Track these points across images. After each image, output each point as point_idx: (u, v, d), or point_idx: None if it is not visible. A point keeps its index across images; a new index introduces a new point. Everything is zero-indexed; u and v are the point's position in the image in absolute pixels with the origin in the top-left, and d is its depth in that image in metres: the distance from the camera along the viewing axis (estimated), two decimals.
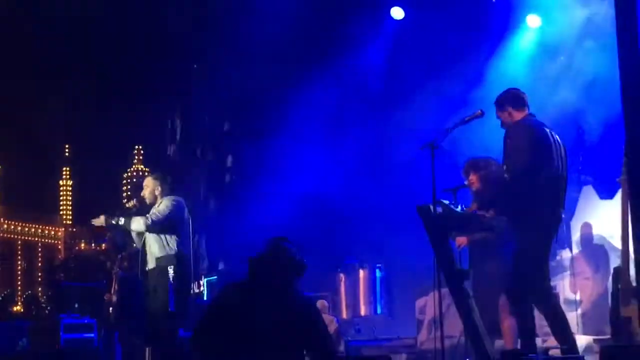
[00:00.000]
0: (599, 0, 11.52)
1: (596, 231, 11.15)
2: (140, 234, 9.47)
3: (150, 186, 9.55)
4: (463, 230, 8.51)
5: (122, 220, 9.33)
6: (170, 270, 9.20)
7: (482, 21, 13.98)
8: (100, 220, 9.48)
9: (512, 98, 7.95)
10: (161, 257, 9.31)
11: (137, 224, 9.26)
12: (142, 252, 9.50)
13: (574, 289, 10.94)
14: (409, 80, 14.15)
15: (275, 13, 14.21)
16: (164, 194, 9.50)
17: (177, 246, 9.30)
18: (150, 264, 9.41)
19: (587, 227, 11.26)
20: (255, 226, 14.84)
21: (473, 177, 8.78)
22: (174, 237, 9.31)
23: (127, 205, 9.62)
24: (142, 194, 9.58)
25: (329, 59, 14.59)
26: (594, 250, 11.07)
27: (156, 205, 9.37)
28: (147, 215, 9.25)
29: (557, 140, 7.75)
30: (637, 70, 3.39)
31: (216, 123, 18.36)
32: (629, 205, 5.71)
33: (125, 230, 9.57)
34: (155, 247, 9.34)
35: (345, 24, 14.57)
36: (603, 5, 11.30)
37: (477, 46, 13.89)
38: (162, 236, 9.31)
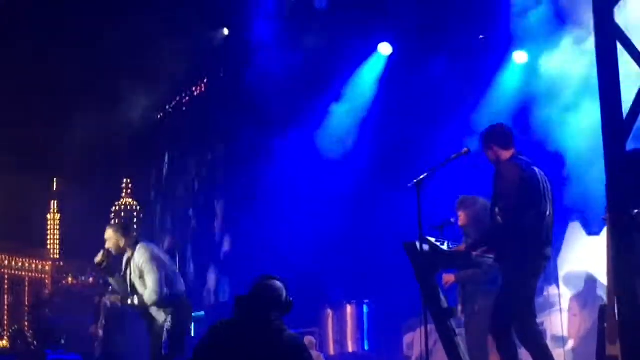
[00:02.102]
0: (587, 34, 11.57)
1: (583, 267, 11.19)
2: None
3: (112, 239, 9.37)
4: (450, 268, 8.55)
5: (136, 301, 9.27)
6: (168, 319, 9.15)
7: (471, 57, 14.06)
8: (116, 298, 9.50)
9: (497, 136, 7.92)
10: (153, 302, 9.24)
11: (150, 299, 9.19)
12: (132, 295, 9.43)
13: (561, 325, 10.96)
14: (397, 117, 14.22)
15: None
16: (129, 243, 9.36)
17: (170, 290, 9.22)
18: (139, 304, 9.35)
19: (574, 263, 11.31)
20: (244, 261, 14.86)
21: (461, 214, 8.88)
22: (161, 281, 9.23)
23: (95, 261, 9.50)
24: (106, 247, 9.46)
25: (318, 95, 14.67)
26: (581, 286, 11.10)
27: (137, 271, 9.27)
28: (150, 289, 9.15)
29: (544, 179, 7.78)
30: (617, 110, 3.44)
31: (205, 152, 18.41)
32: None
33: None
34: (146, 294, 9.26)
35: (334, 58, 14.65)
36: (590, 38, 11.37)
37: (466, 83, 13.98)
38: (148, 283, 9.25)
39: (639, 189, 3.46)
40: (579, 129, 11.53)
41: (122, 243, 9.33)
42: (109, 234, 9.42)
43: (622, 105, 3.51)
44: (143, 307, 9.26)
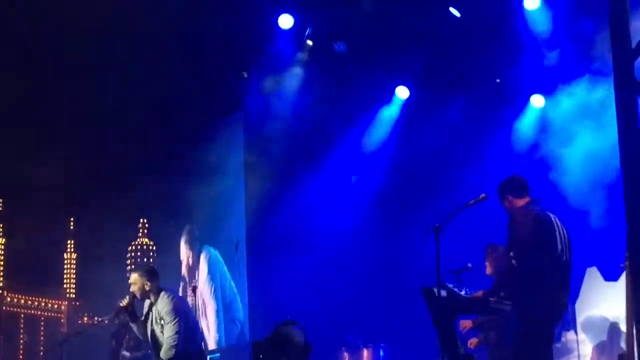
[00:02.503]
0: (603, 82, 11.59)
1: (601, 313, 11.14)
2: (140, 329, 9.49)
3: (138, 283, 9.35)
4: (467, 314, 8.54)
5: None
6: None
7: (488, 101, 14.10)
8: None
9: (511, 187, 8.03)
10: (169, 357, 9.21)
11: (167, 354, 9.19)
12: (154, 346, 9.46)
13: None
14: (416, 161, 14.25)
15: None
16: (154, 288, 9.37)
17: (185, 344, 9.21)
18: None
19: (591, 309, 11.26)
20: (260, 302, 14.83)
21: (487, 262, 8.94)
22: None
23: (120, 305, 9.53)
24: (131, 290, 9.47)
25: (335, 139, 14.73)
26: (599, 332, 11.04)
27: (157, 319, 9.30)
28: (167, 343, 9.16)
29: (560, 226, 7.79)
30: (637, 152, 3.45)
31: None
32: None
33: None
34: (163, 349, 9.27)
35: (352, 102, 14.73)
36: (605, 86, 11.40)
37: (482, 126, 14.01)
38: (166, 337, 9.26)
39: None
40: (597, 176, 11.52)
41: (147, 287, 9.35)
42: (135, 278, 9.45)
43: None
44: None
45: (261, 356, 6.11)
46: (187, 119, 15.06)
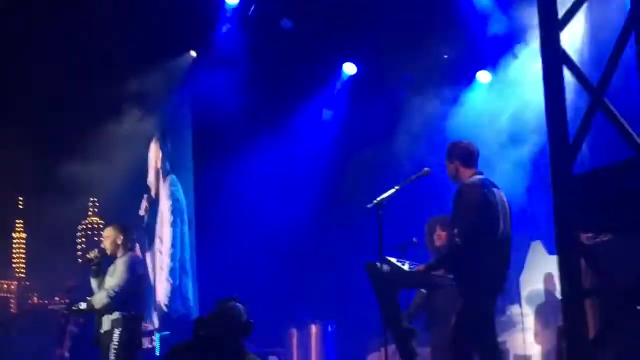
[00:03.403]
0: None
1: (545, 287, 11.24)
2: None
3: (110, 236, 9.43)
4: (410, 288, 8.56)
5: (83, 305, 9.24)
6: (117, 332, 9.10)
7: (435, 77, 14.13)
8: (59, 305, 9.48)
9: (461, 153, 7.95)
10: (115, 319, 9.21)
11: (99, 302, 9.16)
12: (97, 315, 9.40)
13: (524, 344, 11.01)
14: (361, 137, 14.27)
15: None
16: (125, 244, 9.43)
17: (124, 305, 9.20)
18: (106, 326, 9.31)
19: (535, 282, 11.38)
20: (207, 278, 14.80)
21: (442, 233, 8.88)
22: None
23: (87, 256, 9.51)
24: (102, 245, 9.52)
25: (281, 114, 14.68)
26: (543, 305, 11.16)
27: (111, 271, 9.30)
28: (106, 290, 9.14)
29: (503, 199, 7.82)
30: (564, 133, 3.47)
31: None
32: None
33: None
34: (98, 296, 9.23)
35: (297, 79, 14.67)
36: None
37: (429, 103, 14.04)
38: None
39: (585, 212, 3.50)
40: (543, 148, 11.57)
41: (119, 241, 9.35)
42: (108, 231, 9.51)
43: (568, 128, 3.55)
44: (90, 311, 9.24)
45: (201, 333, 6.06)
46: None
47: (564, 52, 3.57)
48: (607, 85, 3.49)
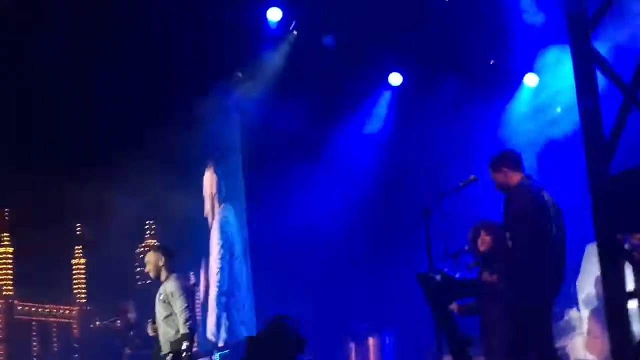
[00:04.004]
0: None
1: (602, 290, 11.07)
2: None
3: (152, 261, 9.69)
4: (463, 297, 8.49)
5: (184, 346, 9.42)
6: (184, 346, 9.26)
7: (482, 82, 14.07)
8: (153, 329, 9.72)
9: (507, 159, 7.96)
10: (175, 341, 9.37)
11: (186, 341, 9.37)
12: (157, 339, 9.63)
13: (584, 348, 10.87)
14: (411, 146, 14.23)
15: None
16: (168, 267, 9.62)
17: (189, 326, 9.37)
18: (165, 349, 9.48)
19: (592, 285, 11.20)
20: (264, 295, 14.82)
21: (486, 238, 8.79)
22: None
23: (151, 334, 9.79)
24: (146, 271, 9.76)
25: (327, 131, 14.70)
26: (602, 308, 10.98)
27: (166, 299, 9.48)
28: (184, 329, 9.34)
29: (554, 204, 7.76)
30: (599, 133, 3.43)
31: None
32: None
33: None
34: (171, 333, 9.42)
35: (343, 94, 14.68)
36: None
37: (476, 109, 13.98)
38: (175, 321, 9.42)
39: (625, 212, 3.45)
40: None
41: (161, 264, 9.56)
42: (150, 256, 9.79)
43: (602, 128, 3.50)
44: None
45: (253, 352, 6.09)
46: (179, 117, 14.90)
47: (595, 52, 3.53)
48: None
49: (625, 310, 3.45)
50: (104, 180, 15.21)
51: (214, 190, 15.72)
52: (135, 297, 16.08)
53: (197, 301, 15.49)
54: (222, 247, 15.34)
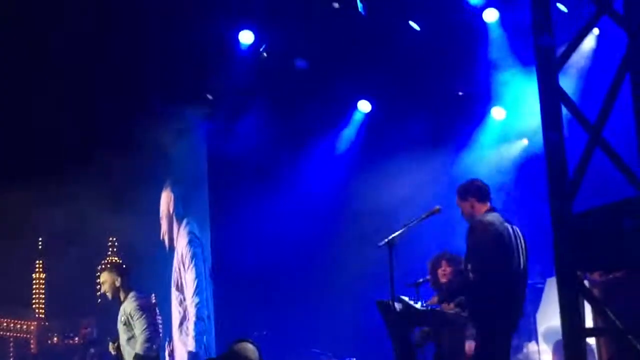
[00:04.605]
0: None
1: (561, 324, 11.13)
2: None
3: (108, 282, 9.61)
4: (423, 326, 8.53)
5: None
6: None
7: (448, 114, 14.16)
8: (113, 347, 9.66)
9: (475, 190, 8.00)
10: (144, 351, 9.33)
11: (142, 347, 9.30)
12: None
13: None
14: (375, 173, 14.25)
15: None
16: (125, 286, 9.55)
17: (145, 351, 9.30)
18: None
19: (552, 319, 11.27)
20: (225, 317, 14.75)
21: (447, 269, 8.86)
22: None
23: (113, 354, 9.71)
24: (102, 291, 9.68)
25: (294, 153, 14.71)
26: (560, 342, 11.04)
27: (127, 321, 9.42)
28: (139, 349, 9.28)
29: (518, 235, 7.80)
30: (563, 171, 3.47)
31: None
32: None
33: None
34: (131, 355, 9.37)
35: (313, 115, 14.71)
36: None
37: (443, 139, 14.06)
38: (133, 344, 9.37)
39: (586, 251, 3.49)
40: None
41: (117, 284, 9.50)
42: (104, 276, 9.69)
43: (567, 166, 3.55)
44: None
45: None
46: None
47: (561, 90, 3.58)
48: (604, 124, 3.50)
49: (583, 345, 3.48)
50: (67, 196, 15.09)
51: (171, 209, 15.57)
52: (96, 313, 15.97)
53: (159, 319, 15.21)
54: (193, 254, 15.04)
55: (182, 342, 14.41)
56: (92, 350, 12.96)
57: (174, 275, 15.09)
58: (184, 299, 14.73)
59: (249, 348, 6.22)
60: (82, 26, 12.48)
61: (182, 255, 15.01)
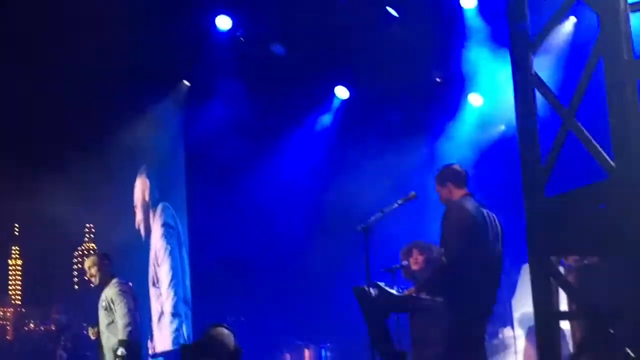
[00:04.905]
0: None
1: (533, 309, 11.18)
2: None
3: (92, 268, 9.65)
4: (399, 312, 8.53)
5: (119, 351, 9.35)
6: (119, 352, 9.18)
7: (426, 100, 14.18)
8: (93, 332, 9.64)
9: (452, 174, 7.97)
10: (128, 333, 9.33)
11: (122, 347, 9.28)
12: (99, 345, 9.57)
13: None
14: (353, 159, 14.26)
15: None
16: (109, 272, 9.64)
17: (128, 335, 9.29)
18: (108, 357, 9.41)
19: (527, 305, 11.31)
20: (202, 302, 14.73)
21: (419, 257, 8.85)
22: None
23: (92, 337, 9.66)
24: (88, 277, 9.73)
25: (271, 139, 14.69)
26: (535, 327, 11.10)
27: (108, 306, 9.41)
28: (122, 334, 9.27)
29: (494, 220, 7.80)
30: (536, 156, 3.47)
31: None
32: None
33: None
34: (113, 340, 9.35)
35: (290, 102, 14.67)
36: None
37: (421, 126, 14.08)
38: (114, 329, 9.36)
39: (558, 235, 3.49)
40: None
41: (102, 267, 9.64)
42: (89, 263, 9.74)
43: (540, 150, 3.55)
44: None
45: None
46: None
47: (535, 75, 3.58)
48: (577, 108, 3.50)
49: (554, 330, 3.49)
50: (43, 183, 15.01)
51: (147, 196, 15.48)
52: (73, 300, 15.93)
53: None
54: (168, 240, 14.98)
55: (162, 339, 14.40)
56: (63, 336, 12.95)
57: (150, 271, 15.07)
58: (161, 294, 14.73)
59: (225, 333, 6.20)
60: (50, 14, 12.41)
61: (155, 251, 15.00)
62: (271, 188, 14.48)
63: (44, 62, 13.22)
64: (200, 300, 14.75)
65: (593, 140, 3.55)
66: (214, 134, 14.40)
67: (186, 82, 14.87)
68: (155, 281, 14.85)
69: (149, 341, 14.38)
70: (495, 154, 13.62)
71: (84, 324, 12.29)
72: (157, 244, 14.94)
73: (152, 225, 15.14)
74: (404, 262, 8.93)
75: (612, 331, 3.35)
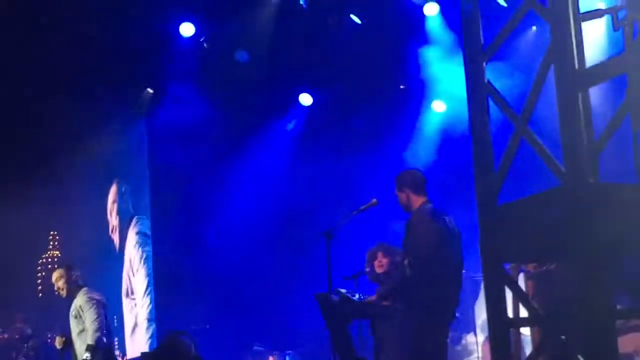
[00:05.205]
0: None
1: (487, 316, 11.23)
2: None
3: (60, 280, 9.65)
4: (361, 318, 8.55)
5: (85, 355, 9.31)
6: (85, 356, 9.15)
7: (389, 107, 14.23)
8: (60, 342, 9.63)
9: (411, 181, 7.96)
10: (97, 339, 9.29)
11: (89, 352, 9.23)
12: (74, 355, 9.56)
13: None
14: (313, 165, 14.27)
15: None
16: (76, 282, 9.62)
17: (96, 340, 9.27)
18: None
19: None
20: (164, 310, 14.67)
21: (384, 260, 8.85)
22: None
23: (59, 348, 9.67)
24: (56, 290, 9.71)
25: (235, 146, 14.67)
26: None
27: (78, 315, 9.39)
28: (90, 339, 9.23)
29: (454, 226, 7.84)
30: (489, 164, 3.50)
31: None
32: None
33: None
34: (84, 348, 9.32)
35: (254, 108, 14.66)
36: None
37: (384, 132, 14.12)
38: (85, 336, 9.34)
39: (511, 242, 3.51)
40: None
41: (70, 282, 9.58)
42: (56, 276, 9.71)
43: (493, 157, 3.58)
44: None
45: None
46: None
47: (489, 84, 3.61)
48: (530, 116, 3.53)
49: (507, 335, 3.51)
50: (4, 190, 14.89)
51: (116, 205, 15.42)
52: (35, 309, 15.81)
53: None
54: (143, 248, 14.87)
55: (136, 350, 14.27)
56: (26, 345, 12.88)
57: (124, 283, 14.97)
58: (135, 305, 14.64)
59: (184, 341, 6.20)
60: (8, 20, 12.31)
61: (130, 261, 14.92)
62: (234, 195, 14.45)
63: (6, 69, 13.10)
64: (164, 309, 14.68)
65: (545, 148, 3.58)
66: (176, 142, 14.34)
67: (149, 90, 14.80)
68: (130, 292, 14.78)
69: (118, 355, 14.26)
70: (457, 160, 13.67)
71: (49, 334, 12.19)
72: (132, 252, 14.88)
73: (127, 234, 15.08)
74: (367, 269, 8.94)
75: (563, 337, 3.38)
